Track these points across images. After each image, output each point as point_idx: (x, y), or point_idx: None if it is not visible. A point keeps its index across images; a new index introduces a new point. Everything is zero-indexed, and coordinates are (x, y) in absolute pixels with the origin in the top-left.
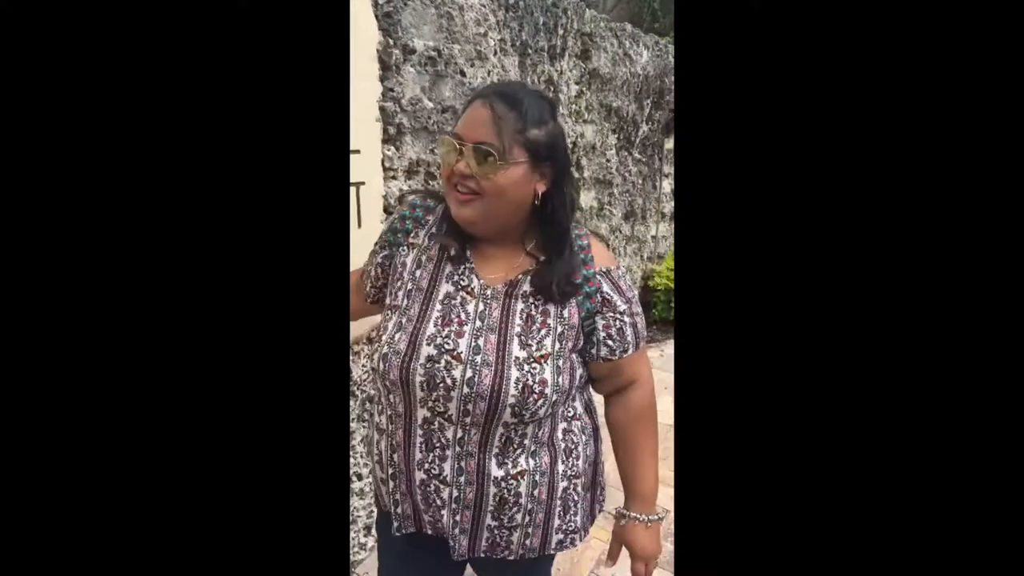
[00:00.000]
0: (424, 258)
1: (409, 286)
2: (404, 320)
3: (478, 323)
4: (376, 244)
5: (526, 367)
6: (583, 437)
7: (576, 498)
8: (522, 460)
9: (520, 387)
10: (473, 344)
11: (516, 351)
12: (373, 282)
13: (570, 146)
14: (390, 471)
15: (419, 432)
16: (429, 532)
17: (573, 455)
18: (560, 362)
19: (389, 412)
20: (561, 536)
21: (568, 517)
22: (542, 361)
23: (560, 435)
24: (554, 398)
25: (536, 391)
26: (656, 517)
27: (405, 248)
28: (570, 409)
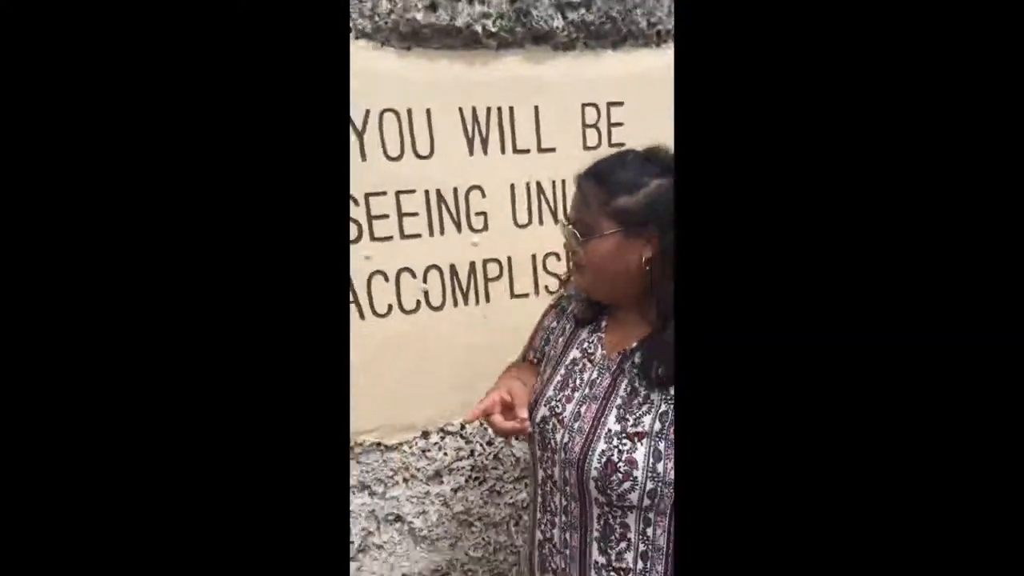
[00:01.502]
0: (568, 326)
1: (549, 351)
2: (538, 381)
3: (587, 390)
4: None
5: (615, 441)
6: None
7: None
8: (628, 557)
9: (603, 461)
10: (576, 410)
11: (611, 423)
12: (532, 344)
13: None
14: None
15: (539, 491)
16: None
17: None
18: (661, 445)
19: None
20: None
21: None
22: (636, 439)
23: None
24: (649, 486)
25: (621, 470)
26: None
27: (563, 317)
28: None
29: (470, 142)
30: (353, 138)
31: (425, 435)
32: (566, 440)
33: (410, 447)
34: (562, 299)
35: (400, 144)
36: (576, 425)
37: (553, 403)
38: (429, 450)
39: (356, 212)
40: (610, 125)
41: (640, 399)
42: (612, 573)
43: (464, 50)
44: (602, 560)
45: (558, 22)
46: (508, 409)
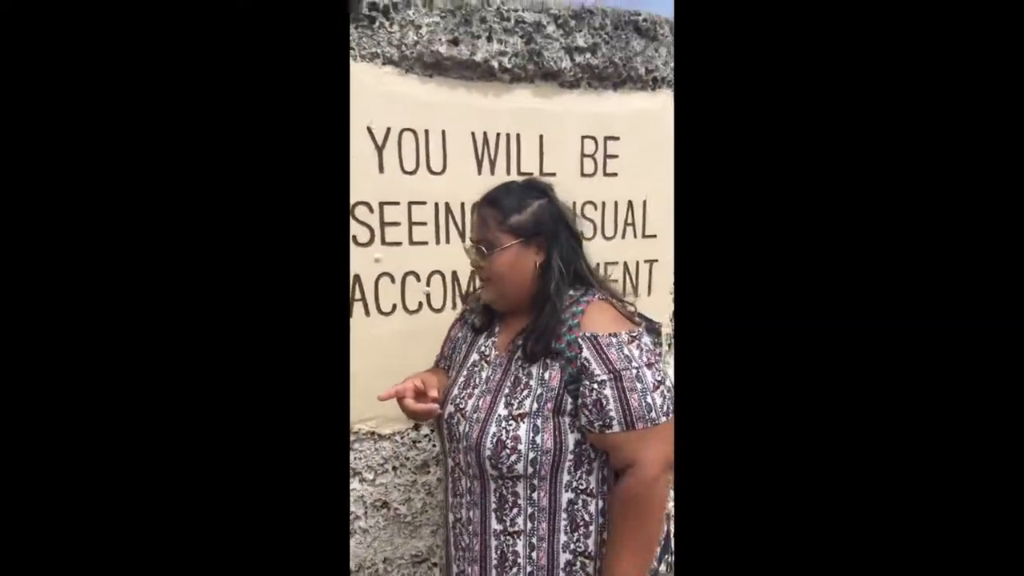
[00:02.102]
0: (469, 335)
1: (456, 357)
2: (448, 382)
3: (484, 386)
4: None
5: (504, 423)
6: (599, 518)
7: None
8: (520, 520)
9: (494, 441)
10: (476, 404)
11: (500, 409)
12: (442, 353)
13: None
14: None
15: (451, 478)
16: None
17: (580, 531)
18: (539, 421)
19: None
20: None
21: None
22: (519, 419)
23: (564, 503)
24: (531, 456)
25: (509, 446)
26: None
27: (466, 328)
28: (582, 482)
29: (479, 162)
30: (373, 152)
31: (416, 427)
32: (467, 429)
33: (402, 437)
34: (465, 313)
35: (416, 160)
36: (475, 416)
37: (457, 400)
38: (420, 441)
39: (370, 218)
40: (606, 156)
41: (521, 386)
42: (507, 537)
43: (480, 81)
44: (499, 528)
45: (566, 63)
46: (421, 395)
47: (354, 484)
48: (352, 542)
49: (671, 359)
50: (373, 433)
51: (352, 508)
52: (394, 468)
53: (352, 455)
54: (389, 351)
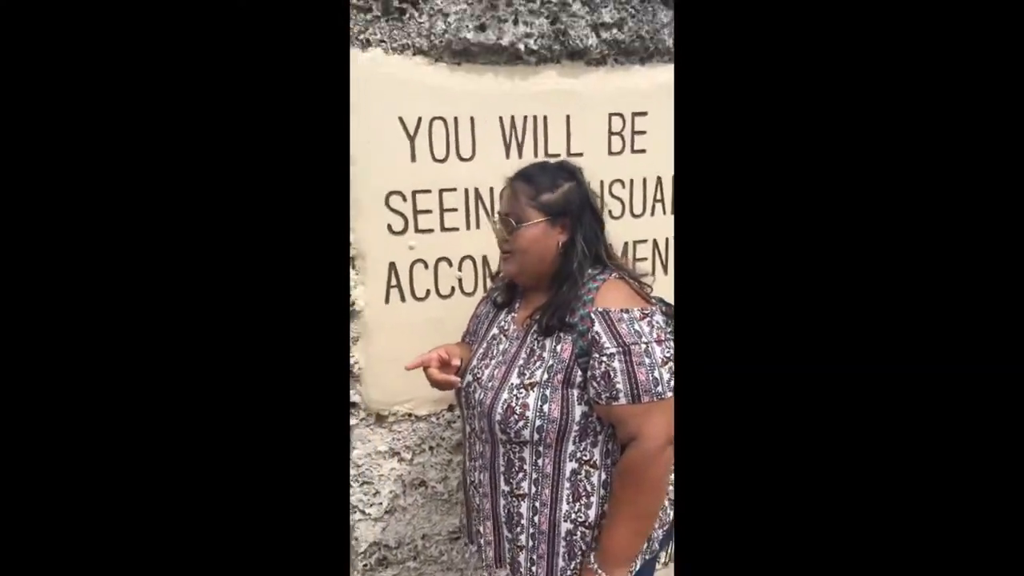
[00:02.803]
0: (492, 311)
1: (479, 332)
2: (469, 354)
3: (500, 357)
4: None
5: (515, 391)
6: (602, 490)
7: (584, 547)
8: (524, 484)
9: (504, 407)
10: (491, 373)
11: (513, 379)
12: (468, 329)
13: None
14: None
15: (467, 443)
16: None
17: (582, 501)
18: (548, 391)
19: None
20: None
21: (575, 564)
22: (529, 388)
23: (567, 473)
24: (537, 423)
25: (517, 412)
26: None
27: (489, 304)
28: (586, 453)
29: (507, 147)
30: (405, 141)
31: (451, 408)
32: (481, 396)
33: (438, 418)
34: (492, 291)
35: (446, 147)
36: (490, 384)
37: (476, 370)
38: (454, 422)
39: (403, 207)
40: (634, 133)
41: (535, 357)
42: (513, 499)
43: (507, 66)
44: (507, 488)
45: (592, 40)
46: (445, 365)
47: (392, 464)
48: (392, 520)
49: None
50: (410, 415)
51: (391, 487)
52: (431, 448)
53: (391, 436)
54: (425, 335)
